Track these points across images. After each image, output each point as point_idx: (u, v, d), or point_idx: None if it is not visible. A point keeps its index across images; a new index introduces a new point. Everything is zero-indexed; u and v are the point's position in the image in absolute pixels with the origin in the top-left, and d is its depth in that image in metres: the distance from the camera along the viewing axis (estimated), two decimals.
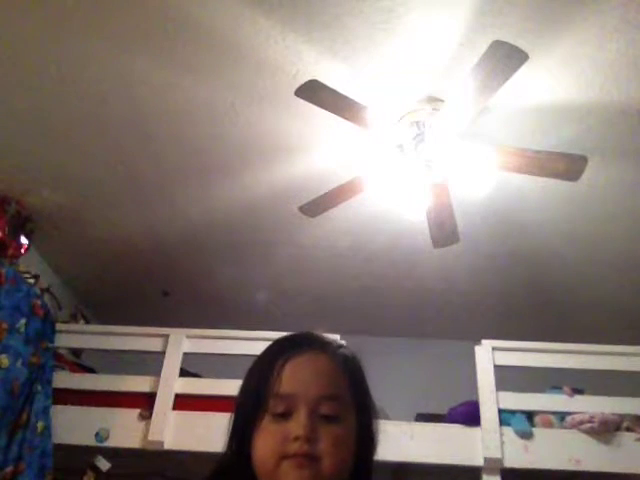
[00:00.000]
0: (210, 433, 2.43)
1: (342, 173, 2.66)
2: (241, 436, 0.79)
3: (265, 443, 0.75)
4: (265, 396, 0.77)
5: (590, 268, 3.42)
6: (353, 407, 0.80)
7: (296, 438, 0.74)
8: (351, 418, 0.79)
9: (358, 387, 0.83)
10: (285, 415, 0.76)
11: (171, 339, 3.00)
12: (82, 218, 3.31)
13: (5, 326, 2.64)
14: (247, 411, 0.78)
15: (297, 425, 0.75)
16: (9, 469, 2.46)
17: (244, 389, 0.83)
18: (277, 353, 0.81)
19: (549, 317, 3.88)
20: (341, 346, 0.87)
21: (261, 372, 0.80)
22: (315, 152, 2.70)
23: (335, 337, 0.91)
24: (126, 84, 2.40)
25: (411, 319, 4.10)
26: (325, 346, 0.84)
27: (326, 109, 2.15)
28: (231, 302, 4.02)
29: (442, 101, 2.29)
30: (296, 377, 0.78)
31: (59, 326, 3.09)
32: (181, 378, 2.91)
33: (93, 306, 4.16)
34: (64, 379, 2.94)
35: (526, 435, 2.63)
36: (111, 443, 2.70)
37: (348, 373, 0.82)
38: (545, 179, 2.42)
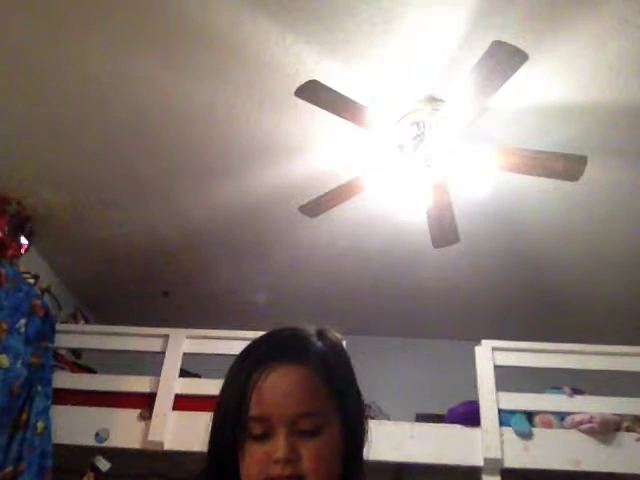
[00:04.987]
0: None
1: (342, 173, 2.66)
2: (223, 455, 0.78)
3: (249, 466, 0.75)
4: (243, 420, 0.76)
5: (590, 268, 3.42)
6: (335, 411, 0.79)
7: (277, 461, 0.73)
8: (334, 425, 0.78)
9: (339, 389, 0.81)
10: (265, 435, 0.75)
11: (171, 339, 3.00)
12: (82, 218, 3.30)
13: (5, 326, 2.64)
14: (227, 432, 0.77)
15: (276, 447, 0.74)
16: (9, 469, 2.46)
17: (221, 409, 0.80)
18: (249, 367, 0.79)
19: (549, 317, 3.88)
20: (319, 343, 0.83)
21: (235, 391, 0.78)
22: (315, 152, 2.70)
23: (312, 327, 0.86)
24: (126, 84, 2.40)
25: (411, 319, 4.10)
26: (299, 353, 0.81)
27: (326, 109, 2.15)
28: (231, 302, 4.02)
29: (442, 101, 2.29)
30: (270, 398, 0.76)
31: (59, 326, 3.10)
32: (181, 378, 2.91)
33: (93, 306, 4.16)
34: (64, 379, 2.94)
35: (526, 435, 2.63)
36: (111, 443, 2.70)
37: (327, 377, 0.80)
38: (545, 179, 2.42)
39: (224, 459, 0.78)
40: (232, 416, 0.77)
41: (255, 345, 0.84)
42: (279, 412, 0.75)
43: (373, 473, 0.84)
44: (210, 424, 0.82)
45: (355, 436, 0.81)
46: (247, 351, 0.84)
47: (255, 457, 0.75)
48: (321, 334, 0.85)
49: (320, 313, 3.94)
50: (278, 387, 0.77)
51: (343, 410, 0.80)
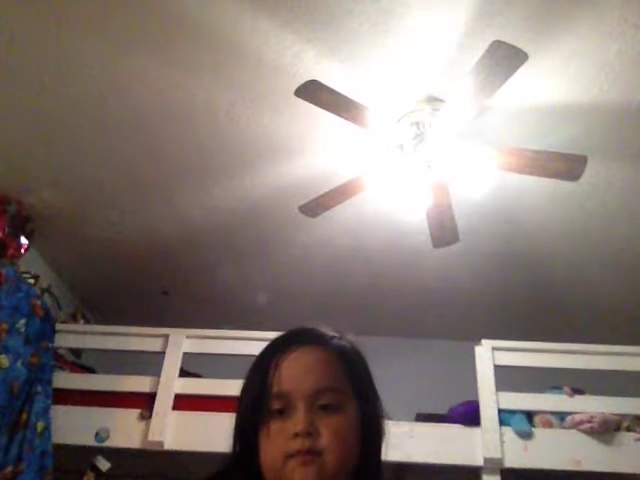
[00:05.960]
0: (210, 433, 2.43)
1: (342, 173, 2.66)
2: (246, 438, 0.79)
3: (270, 444, 0.76)
4: (265, 398, 0.77)
5: (590, 268, 3.42)
6: (353, 397, 0.80)
7: (296, 435, 0.74)
8: (352, 407, 0.79)
9: (357, 376, 0.82)
10: (285, 413, 0.76)
11: (171, 339, 3.00)
12: (82, 218, 3.30)
13: (5, 326, 2.64)
14: (250, 414, 0.78)
15: (296, 422, 0.75)
16: (9, 469, 2.46)
17: (245, 392, 0.82)
18: (272, 352, 0.81)
19: (549, 317, 3.88)
20: (338, 338, 0.86)
21: (258, 374, 0.80)
22: (315, 152, 2.70)
23: (333, 331, 0.88)
24: (126, 84, 2.40)
25: (411, 319, 4.10)
26: (319, 339, 0.84)
27: (326, 109, 2.15)
28: (231, 302, 4.02)
29: (442, 101, 2.29)
30: (290, 374, 0.78)
31: (59, 326, 3.09)
32: (181, 378, 2.91)
33: (93, 306, 4.16)
34: (64, 379, 2.94)
35: (526, 435, 2.63)
36: (111, 443, 2.70)
37: (345, 363, 0.82)
38: (545, 179, 2.42)
39: (248, 451, 0.78)
40: (254, 401, 0.78)
41: (273, 342, 0.86)
42: (298, 387, 0.77)
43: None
44: (234, 421, 0.82)
45: (372, 428, 0.81)
46: (265, 348, 0.85)
47: (276, 435, 0.75)
48: (340, 335, 0.88)
49: (320, 313, 3.94)
50: (297, 364, 0.79)
51: (361, 398, 0.81)
